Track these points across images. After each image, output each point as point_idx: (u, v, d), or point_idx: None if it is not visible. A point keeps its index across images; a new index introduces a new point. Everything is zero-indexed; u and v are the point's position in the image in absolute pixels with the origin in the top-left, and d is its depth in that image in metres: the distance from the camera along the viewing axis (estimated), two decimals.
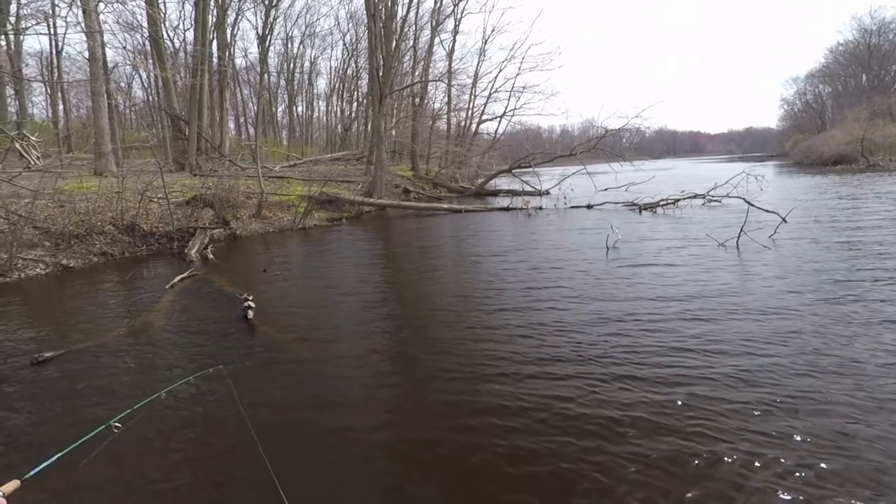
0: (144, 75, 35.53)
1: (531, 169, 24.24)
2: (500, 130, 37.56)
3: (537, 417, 3.62)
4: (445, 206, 19.46)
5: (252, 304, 5.84)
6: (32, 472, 1.85)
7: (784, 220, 10.87)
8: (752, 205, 11.68)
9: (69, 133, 29.06)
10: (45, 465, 1.93)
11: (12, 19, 25.03)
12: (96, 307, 6.90)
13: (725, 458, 3.04)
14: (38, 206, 11.69)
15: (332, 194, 17.79)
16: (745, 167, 19.16)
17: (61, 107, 29.65)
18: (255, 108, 28.82)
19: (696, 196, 15.84)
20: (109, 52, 32.51)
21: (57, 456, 1.99)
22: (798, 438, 3.21)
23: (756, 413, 3.52)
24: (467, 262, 9.90)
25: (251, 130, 28.82)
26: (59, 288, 8.38)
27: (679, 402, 3.72)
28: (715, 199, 15.83)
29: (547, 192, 22.64)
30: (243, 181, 18.07)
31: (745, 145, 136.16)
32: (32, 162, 16.65)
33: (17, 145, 16.61)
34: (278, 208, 16.25)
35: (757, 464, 2.98)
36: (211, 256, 10.41)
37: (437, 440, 3.43)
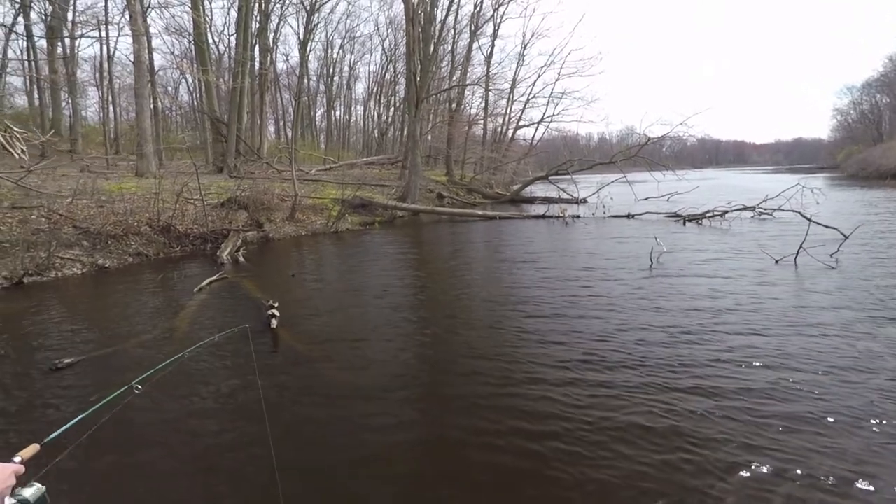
0: (190, 79, 36.58)
1: (568, 176, 23.63)
2: (538, 137, 36.95)
3: (565, 423, 3.62)
4: (480, 212, 19.11)
5: (276, 313, 5.60)
6: (52, 436, 1.70)
7: (846, 237, 10.02)
8: (809, 219, 10.85)
9: (117, 135, 30.16)
10: (66, 428, 1.78)
11: (69, 25, 26.27)
12: (124, 311, 6.83)
13: (756, 470, 3.03)
14: (79, 206, 11.94)
15: (366, 198, 17.68)
16: (797, 179, 18.07)
17: (111, 110, 30.73)
18: (294, 111, 29.14)
19: (745, 208, 14.96)
20: (157, 57, 33.64)
21: (77, 419, 1.86)
22: (836, 456, 3.15)
23: (796, 428, 3.47)
24: (501, 269, 9.50)
25: (290, 134, 29.30)
26: (92, 289, 8.42)
27: (717, 414, 3.68)
28: (766, 212, 14.90)
29: (584, 201, 21.99)
30: (278, 183, 18.20)
31: (794, 156, 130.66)
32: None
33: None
34: (312, 211, 16.23)
35: (789, 477, 2.97)
36: (242, 259, 10.34)
37: (462, 441, 3.48)
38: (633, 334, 5.39)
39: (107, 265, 9.98)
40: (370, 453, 3.37)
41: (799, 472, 2.99)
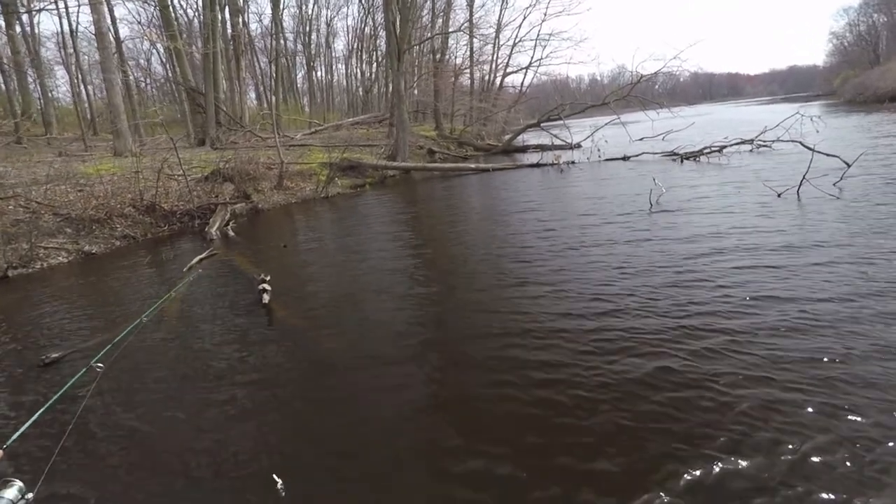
0: (161, 49, 35.04)
1: (561, 122, 22.96)
2: (527, 83, 35.90)
3: (577, 370, 3.58)
4: (472, 165, 18.65)
5: (268, 287, 5.39)
6: (13, 438, 1.66)
7: (848, 165, 9.70)
8: (810, 149, 10.49)
9: (93, 115, 29.12)
10: (26, 427, 1.71)
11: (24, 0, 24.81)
12: (112, 297, 6.61)
13: (779, 405, 2.96)
14: (58, 192, 11.53)
15: (354, 160, 17.20)
16: (794, 108, 17.54)
17: (82, 89, 29.54)
18: (273, 75, 28.04)
19: (743, 142, 14.56)
20: (123, 28, 32.11)
21: (36, 415, 1.77)
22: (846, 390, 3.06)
23: (815, 359, 3.40)
24: (499, 221, 9.27)
25: (272, 98, 28.19)
26: (79, 277, 8.17)
27: (731, 350, 3.62)
28: (765, 144, 14.51)
29: (578, 146, 21.46)
30: (263, 152, 17.66)
31: (789, 85, 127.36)
32: None
33: None
34: (300, 178, 15.79)
35: (814, 410, 2.90)
36: (232, 233, 10.06)
37: (475, 396, 3.45)
38: (638, 278, 5.25)
39: (94, 251, 9.70)
40: (377, 416, 3.32)
41: (823, 402, 2.93)
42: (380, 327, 4.79)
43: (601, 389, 3.30)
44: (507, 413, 3.18)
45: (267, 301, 5.22)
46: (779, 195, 8.49)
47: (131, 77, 30.11)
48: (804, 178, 8.72)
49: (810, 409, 2.89)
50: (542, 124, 24.27)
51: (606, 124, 21.70)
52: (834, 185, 8.73)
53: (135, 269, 8.03)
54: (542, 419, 3.07)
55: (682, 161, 14.51)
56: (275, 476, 2.71)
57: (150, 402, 3.71)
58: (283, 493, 2.63)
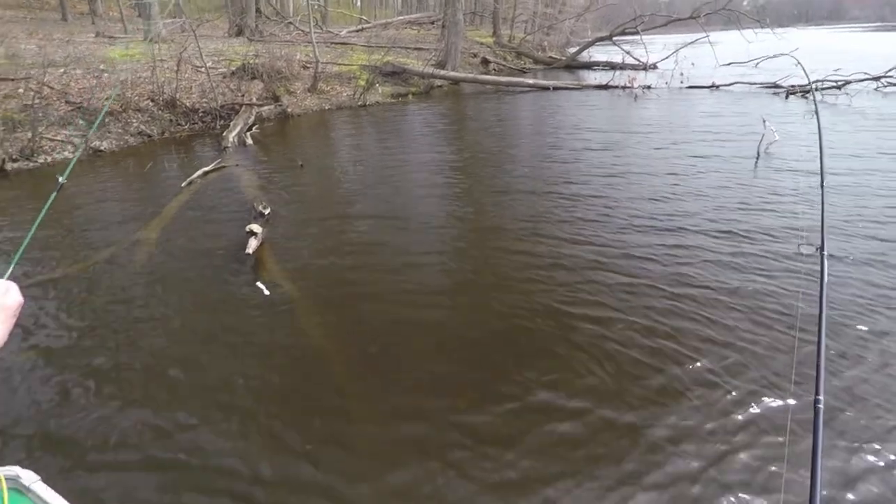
0: None
1: (637, 37, 19.91)
2: None
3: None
4: (530, 80, 16.40)
5: (257, 229, 4.24)
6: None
7: None
8: None
9: None
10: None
11: None
12: (96, 214, 5.65)
13: None
14: (74, 77, 10.53)
15: (398, 65, 15.36)
16: None
17: None
18: None
19: (869, 78, 11.87)
20: None
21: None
22: None
23: None
24: (554, 155, 7.62)
25: None
26: (74, 179, 7.30)
27: None
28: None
29: (654, 67, 18.67)
30: (302, 48, 16.01)
31: None
32: None
33: None
34: (338, 81, 14.22)
35: None
36: (250, 141, 8.90)
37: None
38: (775, 279, 3.72)
39: (102, 147, 8.80)
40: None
41: None
42: (397, 288, 3.70)
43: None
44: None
45: (253, 250, 4.07)
46: None
47: None
48: None
49: None
50: (614, 38, 21.18)
51: (691, 43, 18.59)
52: None
53: (134, 177, 7.08)
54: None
55: (787, 96, 12.04)
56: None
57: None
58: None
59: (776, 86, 12.76)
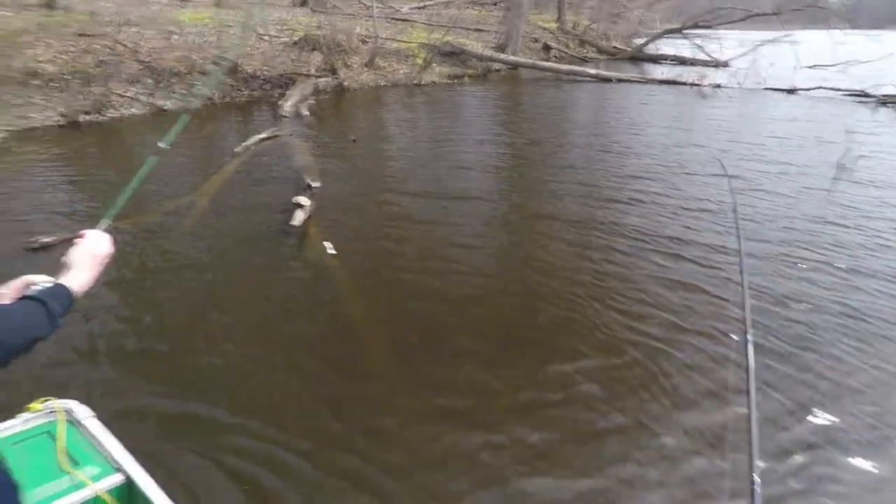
0: None
1: (710, 31, 18.90)
2: None
3: None
4: (592, 70, 15.84)
5: (304, 203, 4.27)
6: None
7: None
8: None
9: None
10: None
11: None
12: (157, 171, 5.81)
13: None
14: (145, 37, 10.90)
15: (457, 45, 15.14)
16: None
17: None
18: None
19: None
20: None
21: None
22: None
23: None
24: (614, 150, 7.25)
25: None
26: (137, 136, 7.61)
27: None
28: None
29: (726, 64, 17.68)
30: (363, 22, 16.02)
31: None
32: None
33: None
34: (395, 58, 14.17)
35: None
36: (305, 112, 9.00)
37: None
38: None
39: (166, 106, 9.10)
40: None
41: None
42: (442, 271, 3.64)
43: None
44: None
45: (300, 222, 4.10)
46: None
47: None
48: None
49: None
50: (685, 31, 20.18)
51: (769, 41, 17.45)
52: None
53: (194, 138, 7.27)
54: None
55: (877, 106, 11.11)
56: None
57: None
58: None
59: (865, 94, 11.77)
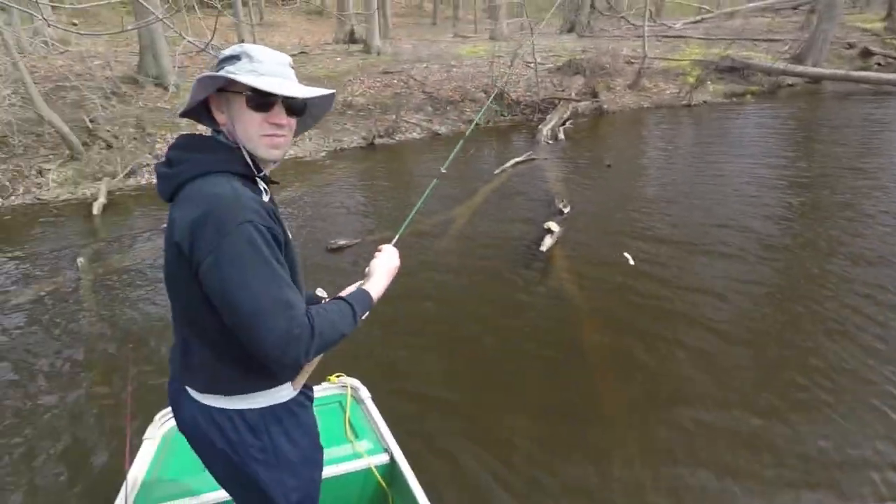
0: None
1: None
2: None
3: None
4: None
5: (555, 228, 4.20)
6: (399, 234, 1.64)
7: None
8: None
9: None
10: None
11: None
12: (422, 187, 6.64)
13: None
14: (431, 71, 12.60)
15: (739, 59, 13.30)
16: None
17: None
18: None
19: None
20: None
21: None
22: None
23: None
24: None
25: None
26: (416, 155, 8.76)
27: None
28: None
29: None
30: (629, 42, 15.48)
31: None
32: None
33: None
34: (662, 77, 13.23)
35: None
36: (562, 136, 9.06)
37: None
38: None
39: (440, 131, 10.31)
40: None
41: None
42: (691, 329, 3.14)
43: None
44: None
45: (547, 248, 4.05)
46: None
47: None
48: None
49: None
50: None
51: None
52: None
53: (458, 160, 8.01)
54: None
55: None
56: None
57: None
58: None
59: None
